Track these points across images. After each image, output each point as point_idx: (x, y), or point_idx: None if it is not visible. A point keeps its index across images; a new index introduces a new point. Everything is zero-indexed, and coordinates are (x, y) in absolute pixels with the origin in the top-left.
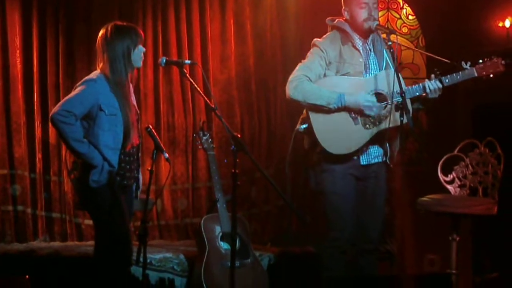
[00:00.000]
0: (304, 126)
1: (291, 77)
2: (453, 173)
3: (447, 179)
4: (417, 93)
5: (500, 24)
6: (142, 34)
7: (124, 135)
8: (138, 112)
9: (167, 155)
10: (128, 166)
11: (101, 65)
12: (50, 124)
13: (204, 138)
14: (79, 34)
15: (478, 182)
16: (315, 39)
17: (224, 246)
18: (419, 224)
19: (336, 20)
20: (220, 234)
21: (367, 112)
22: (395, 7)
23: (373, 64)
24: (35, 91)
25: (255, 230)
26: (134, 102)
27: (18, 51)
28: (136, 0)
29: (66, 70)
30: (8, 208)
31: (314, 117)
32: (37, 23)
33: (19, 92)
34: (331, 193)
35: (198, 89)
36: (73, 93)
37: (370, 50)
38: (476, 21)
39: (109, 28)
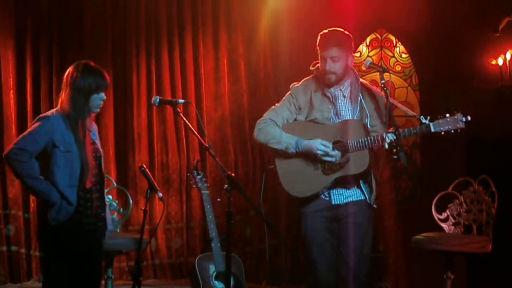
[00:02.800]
0: (273, 166)
1: (259, 120)
2: (447, 211)
3: (441, 217)
4: (376, 143)
5: (493, 62)
6: (108, 81)
7: (81, 171)
8: (101, 151)
9: (161, 194)
10: (88, 204)
11: (61, 100)
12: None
13: (198, 177)
14: None
15: (472, 220)
16: (293, 83)
17: (218, 285)
18: (414, 262)
19: (316, 66)
20: (215, 273)
21: (322, 158)
22: (388, 45)
23: (346, 110)
24: None
25: (249, 269)
26: (98, 141)
27: (11, 91)
28: (130, 39)
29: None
30: (1, 249)
31: (278, 159)
32: (31, 63)
33: (12, 131)
34: (304, 235)
35: (192, 128)
36: (26, 131)
37: (345, 96)
38: (469, 59)
39: (77, 65)
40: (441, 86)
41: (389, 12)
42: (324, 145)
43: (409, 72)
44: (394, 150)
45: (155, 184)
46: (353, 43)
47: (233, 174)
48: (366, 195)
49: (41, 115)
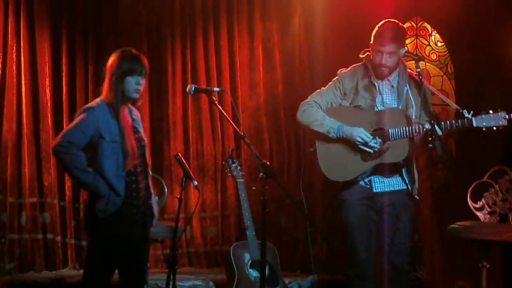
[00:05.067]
0: (313, 149)
1: (303, 102)
2: (483, 200)
3: (477, 205)
4: (416, 132)
5: None
6: (147, 67)
7: (124, 160)
8: (145, 140)
9: (196, 182)
10: (134, 194)
11: (102, 89)
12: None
13: (233, 165)
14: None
15: (508, 208)
16: (341, 69)
17: (253, 273)
18: (449, 251)
19: (366, 54)
20: (250, 261)
21: (360, 147)
22: (423, 33)
23: (392, 99)
24: (64, 119)
25: (284, 257)
26: (141, 130)
27: (47, 79)
28: (165, 28)
29: (95, 97)
30: (37, 236)
31: (319, 142)
32: (67, 51)
33: (48, 120)
34: (346, 223)
35: (227, 116)
36: (73, 123)
37: (393, 86)
38: (504, 47)
39: (116, 53)
40: (477, 75)
41: (424, 0)
42: (366, 136)
43: (444, 60)
44: (430, 139)
45: (190, 172)
46: (406, 36)
47: (268, 163)
48: (408, 185)
49: (86, 106)
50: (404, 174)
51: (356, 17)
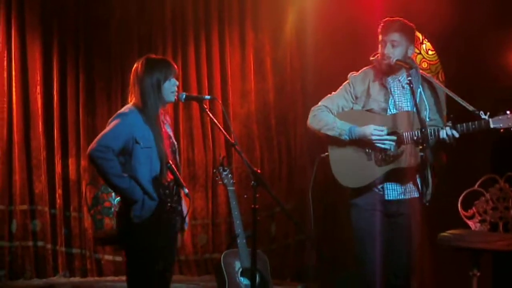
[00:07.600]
0: (326, 153)
1: (313, 107)
2: (474, 208)
3: (468, 214)
4: (432, 136)
5: None
6: (175, 67)
7: (160, 167)
8: (176, 144)
9: (187, 190)
10: (168, 199)
11: (133, 98)
12: (85, 161)
13: (224, 173)
14: (99, 70)
15: (498, 217)
16: (351, 72)
17: (244, 281)
18: (439, 259)
19: (376, 56)
20: (240, 269)
21: (378, 145)
22: (415, 42)
23: (405, 102)
24: (55, 126)
25: (275, 265)
26: (171, 134)
27: (38, 87)
28: (155, 37)
29: (86, 105)
30: (28, 244)
31: (331, 147)
32: (58, 59)
33: (39, 127)
34: (356, 228)
35: (218, 124)
36: (107, 128)
37: (404, 87)
38: (494, 56)
39: (140, 62)
40: (467, 83)
41: (415, 9)
42: (378, 130)
43: (435, 69)
44: (420, 147)
45: (181, 180)
46: (415, 36)
47: (258, 171)
48: (421, 191)
49: (119, 112)
50: (418, 179)
51: (347, 26)
